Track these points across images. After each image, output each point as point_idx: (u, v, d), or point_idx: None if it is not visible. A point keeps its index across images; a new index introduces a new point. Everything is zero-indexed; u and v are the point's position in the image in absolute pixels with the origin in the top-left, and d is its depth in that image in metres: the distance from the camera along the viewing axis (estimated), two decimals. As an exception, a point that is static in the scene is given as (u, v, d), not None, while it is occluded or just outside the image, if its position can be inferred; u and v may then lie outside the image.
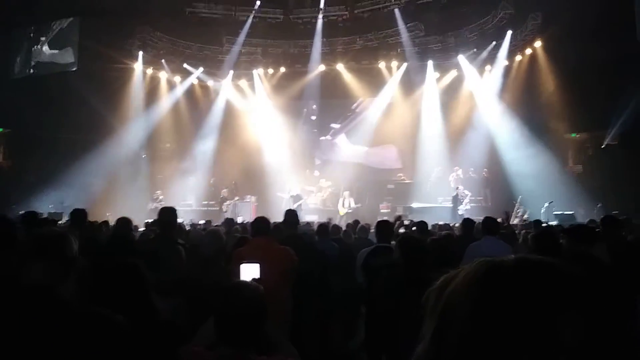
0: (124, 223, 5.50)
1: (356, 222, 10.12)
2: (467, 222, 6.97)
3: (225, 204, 18.30)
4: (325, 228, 6.89)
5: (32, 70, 18.37)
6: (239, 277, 3.16)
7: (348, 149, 21.21)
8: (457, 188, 16.70)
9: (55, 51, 18.04)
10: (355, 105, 20.99)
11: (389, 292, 3.58)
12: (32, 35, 18.54)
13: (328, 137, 21.46)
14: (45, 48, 18.27)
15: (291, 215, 5.51)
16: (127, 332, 1.79)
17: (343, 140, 21.42)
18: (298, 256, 4.46)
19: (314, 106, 21.22)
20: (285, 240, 5.01)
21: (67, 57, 17.81)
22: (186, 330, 2.57)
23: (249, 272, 3.22)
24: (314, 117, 21.51)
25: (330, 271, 5.46)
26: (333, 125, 21.35)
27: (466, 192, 16.58)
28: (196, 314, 3.47)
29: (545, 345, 0.63)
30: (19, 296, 1.77)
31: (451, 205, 16.65)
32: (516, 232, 8.40)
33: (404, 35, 18.38)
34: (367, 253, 5.04)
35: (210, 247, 4.63)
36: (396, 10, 18.08)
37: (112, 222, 7.87)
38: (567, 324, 0.64)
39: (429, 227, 7.95)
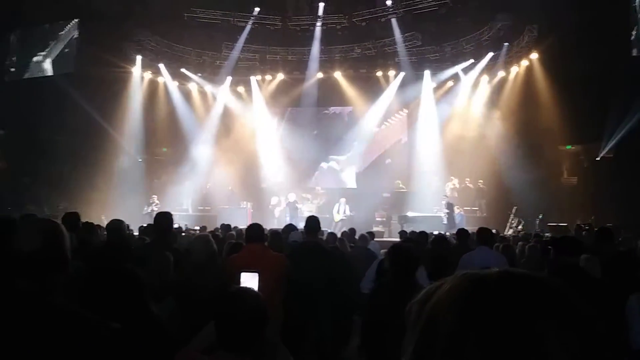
0: (117, 226, 5.40)
1: (352, 230, 9.93)
2: (461, 232, 7.00)
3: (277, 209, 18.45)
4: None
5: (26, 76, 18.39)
6: (238, 284, 3.18)
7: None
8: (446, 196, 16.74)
9: (55, 69, 18.03)
10: (349, 113, 20.92)
11: (381, 300, 3.59)
12: (21, 38, 18.51)
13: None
14: (41, 61, 18.22)
15: (312, 221, 5.38)
16: (121, 339, 1.75)
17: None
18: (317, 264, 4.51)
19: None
20: (303, 246, 5.11)
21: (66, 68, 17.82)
22: (180, 334, 2.57)
23: (249, 280, 3.25)
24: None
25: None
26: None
27: (443, 203, 16.61)
28: (188, 318, 3.47)
29: None
30: (11, 300, 1.74)
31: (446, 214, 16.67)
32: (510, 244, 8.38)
33: (401, 44, 18.46)
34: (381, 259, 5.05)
35: (202, 253, 4.62)
36: (393, 20, 18.15)
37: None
38: (550, 340, 0.63)
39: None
